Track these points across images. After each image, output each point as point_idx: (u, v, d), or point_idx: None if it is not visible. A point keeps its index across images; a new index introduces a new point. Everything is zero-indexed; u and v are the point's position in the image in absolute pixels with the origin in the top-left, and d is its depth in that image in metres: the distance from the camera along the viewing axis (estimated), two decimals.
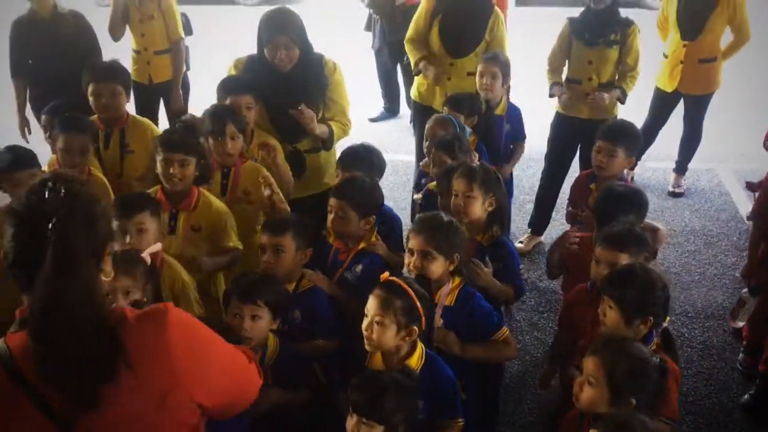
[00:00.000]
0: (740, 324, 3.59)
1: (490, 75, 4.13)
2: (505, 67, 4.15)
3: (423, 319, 2.25)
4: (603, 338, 2.18)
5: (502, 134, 4.19)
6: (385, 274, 2.31)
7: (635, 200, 2.97)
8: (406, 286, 2.26)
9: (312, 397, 2.53)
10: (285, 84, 3.46)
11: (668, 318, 2.45)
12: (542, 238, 4.86)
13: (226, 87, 3.46)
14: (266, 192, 3.13)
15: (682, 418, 3.25)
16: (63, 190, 1.34)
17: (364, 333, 2.26)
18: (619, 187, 3.08)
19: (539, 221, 4.86)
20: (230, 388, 1.52)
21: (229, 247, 3.15)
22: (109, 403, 1.32)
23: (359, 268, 2.87)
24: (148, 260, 2.46)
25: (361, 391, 2.09)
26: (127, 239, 2.71)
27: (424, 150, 3.87)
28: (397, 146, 6.30)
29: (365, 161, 3.28)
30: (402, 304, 2.22)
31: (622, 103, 4.40)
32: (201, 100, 4.95)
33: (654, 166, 5.80)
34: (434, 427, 2.31)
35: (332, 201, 2.91)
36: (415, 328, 2.23)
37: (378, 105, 7.07)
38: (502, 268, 2.89)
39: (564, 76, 4.51)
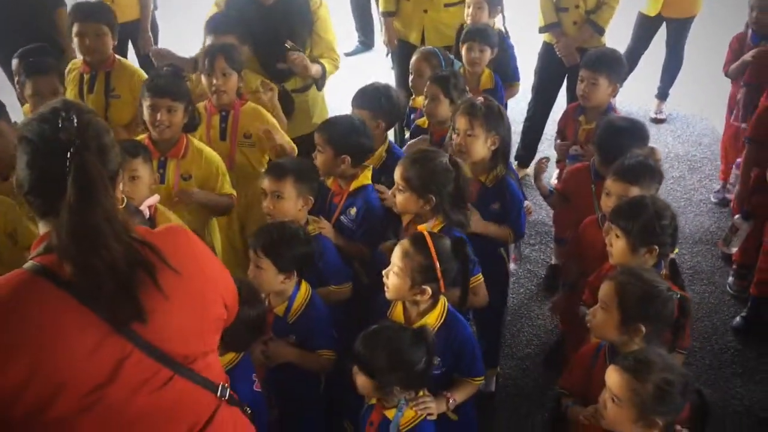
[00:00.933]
0: (733, 250, 3.65)
1: (476, 5, 4.02)
2: None
3: (441, 282, 2.20)
4: (622, 267, 2.19)
5: None
6: (423, 227, 2.23)
7: (637, 133, 2.96)
8: (431, 245, 2.19)
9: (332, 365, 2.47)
10: (270, 19, 3.35)
11: (676, 249, 2.46)
12: (529, 170, 4.83)
13: (210, 26, 3.31)
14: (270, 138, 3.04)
15: None
16: (76, 119, 1.34)
17: (384, 278, 2.23)
18: (620, 121, 3.06)
19: (526, 153, 4.83)
20: (231, 290, 1.66)
21: (224, 193, 3.07)
22: (160, 311, 1.40)
23: (353, 211, 2.80)
24: (147, 213, 2.38)
25: (362, 343, 2.09)
26: (120, 187, 2.61)
27: (410, 85, 3.79)
28: (375, 80, 6.14)
29: (372, 101, 3.16)
30: (421, 261, 2.17)
31: (600, 34, 4.30)
32: (172, 42, 4.75)
33: (635, 93, 5.76)
34: (452, 382, 2.31)
35: (315, 134, 2.86)
36: (428, 288, 2.18)
37: (353, 39, 6.87)
38: (501, 210, 2.84)
39: None
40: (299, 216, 2.64)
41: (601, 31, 4.25)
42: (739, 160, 4.20)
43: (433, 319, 2.24)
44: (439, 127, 3.24)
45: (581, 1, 4.23)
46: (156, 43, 5.11)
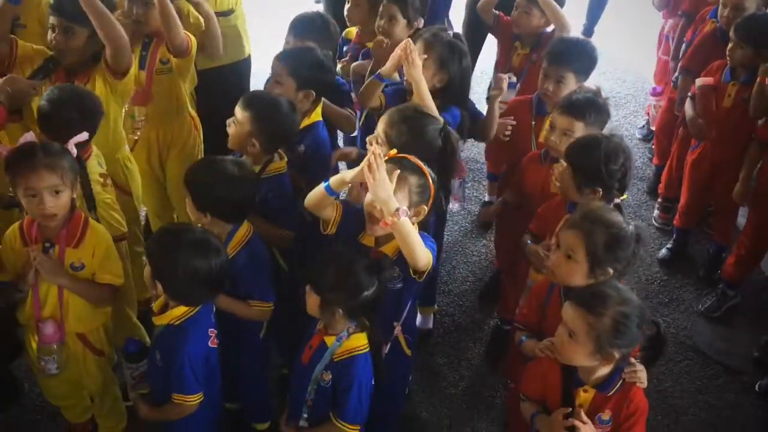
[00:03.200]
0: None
1: None
2: None
3: (432, 200, 2.09)
4: (581, 212, 2.13)
5: None
6: (393, 152, 2.08)
7: (588, 48, 2.99)
8: (420, 164, 2.07)
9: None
10: None
11: (625, 195, 2.44)
12: None
13: None
14: None
15: None
16: None
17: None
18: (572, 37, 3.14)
19: None
20: None
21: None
22: None
23: (301, 149, 2.64)
24: (74, 151, 2.17)
25: (318, 260, 2.03)
26: None
27: (345, 15, 3.61)
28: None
29: (320, 31, 2.98)
30: (417, 181, 2.05)
31: None
32: None
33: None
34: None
35: (274, 63, 2.67)
36: (425, 207, 2.08)
37: None
38: None
39: None
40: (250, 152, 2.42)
41: None
42: (654, 86, 4.29)
43: (390, 249, 2.11)
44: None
45: None
46: None
